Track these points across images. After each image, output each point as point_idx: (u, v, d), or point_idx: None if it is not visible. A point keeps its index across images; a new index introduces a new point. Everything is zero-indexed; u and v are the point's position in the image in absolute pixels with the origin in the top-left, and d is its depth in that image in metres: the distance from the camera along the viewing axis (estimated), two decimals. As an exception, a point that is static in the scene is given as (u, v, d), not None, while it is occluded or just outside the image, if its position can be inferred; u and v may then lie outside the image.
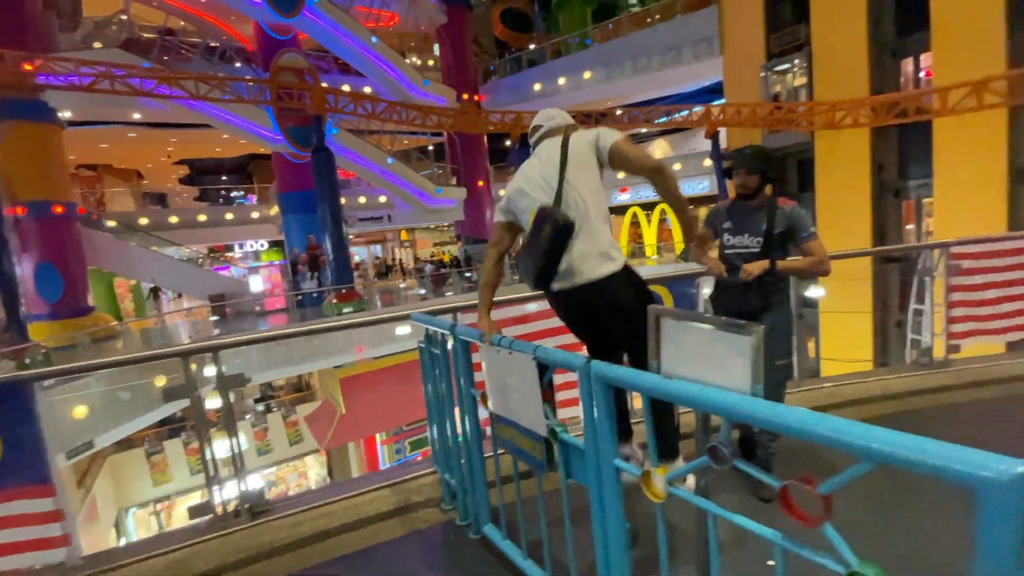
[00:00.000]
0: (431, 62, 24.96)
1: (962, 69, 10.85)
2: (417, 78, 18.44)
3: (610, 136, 1.85)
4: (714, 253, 2.63)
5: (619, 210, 23.20)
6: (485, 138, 20.50)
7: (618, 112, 16.44)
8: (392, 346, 11.61)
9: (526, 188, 1.91)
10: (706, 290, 3.45)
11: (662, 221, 20.58)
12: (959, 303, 3.53)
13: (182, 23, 17.42)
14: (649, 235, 21.15)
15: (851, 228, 13.29)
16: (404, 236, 29.64)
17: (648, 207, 21.70)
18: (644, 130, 22.09)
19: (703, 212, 3.15)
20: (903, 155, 13.08)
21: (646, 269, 16.86)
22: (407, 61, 19.63)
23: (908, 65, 12.88)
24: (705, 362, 1.18)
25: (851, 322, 12.05)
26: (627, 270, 1.87)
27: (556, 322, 2.12)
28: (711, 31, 16.46)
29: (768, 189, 2.53)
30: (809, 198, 14.75)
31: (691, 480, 1.60)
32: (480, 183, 20.41)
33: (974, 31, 10.97)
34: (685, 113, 15.50)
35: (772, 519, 1.09)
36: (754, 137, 15.26)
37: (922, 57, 12.49)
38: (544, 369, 1.67)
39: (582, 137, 1.89)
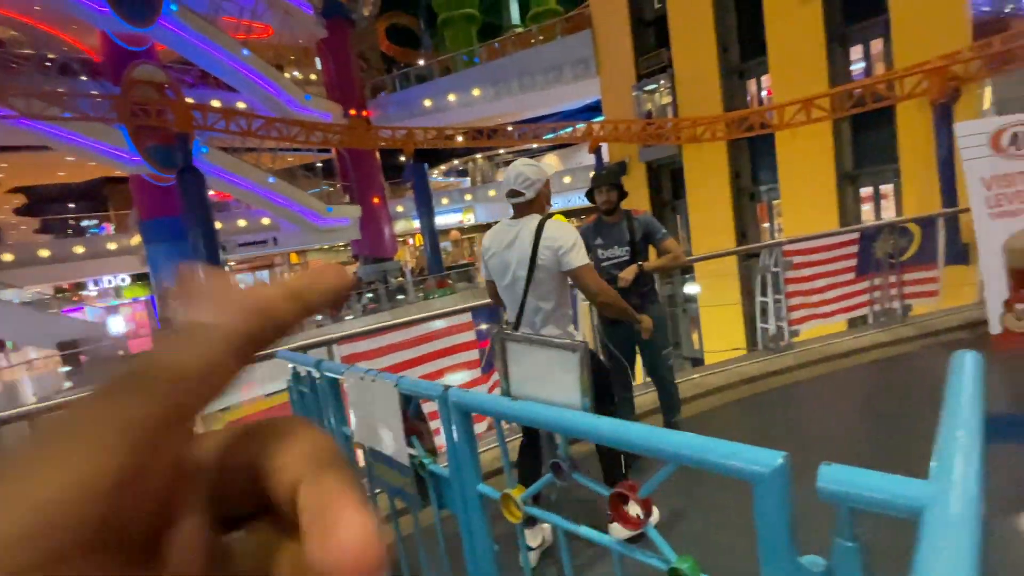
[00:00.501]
0: (313, 76, 23.94)
1: (794, 88, 12.69)
2: (298, 93, 17.56)
3: (575, 259, 2.08)
4: None
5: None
6: (378, 154, 20.02)
7: (509, 128, 16.94)
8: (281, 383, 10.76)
9: (501, 257, 2.18)
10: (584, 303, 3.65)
11: None
12: (794, 293, 4.07)
13: (12, 32, 15.01)
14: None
15: (718, 229, 14.81)
16: (294, 259, 27.91)
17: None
18: (535, 145, 23.01)
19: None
20: (755, 163, 14.91)
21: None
22: (286, 75, 18.63)
23: (752, 86, 14.77)
24: (545, 381, 1.22)
25: (725, 314, 13.44)
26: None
27: (428, 348, 2.09)
28: (588, 52, 17.62)
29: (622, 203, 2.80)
30: (682, 204, 16.26)
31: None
32: (376, 200, 19.84)
33: (802, 56, 12.87)
34: (570, 130, 16.38)
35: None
36: (631, 151, 16.55)
37: (763, 78, 14.39)
38: (409, 399, 1.63)
39: (550, 241, 2.08)
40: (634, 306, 2.65)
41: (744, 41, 14.26)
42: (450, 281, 18.16)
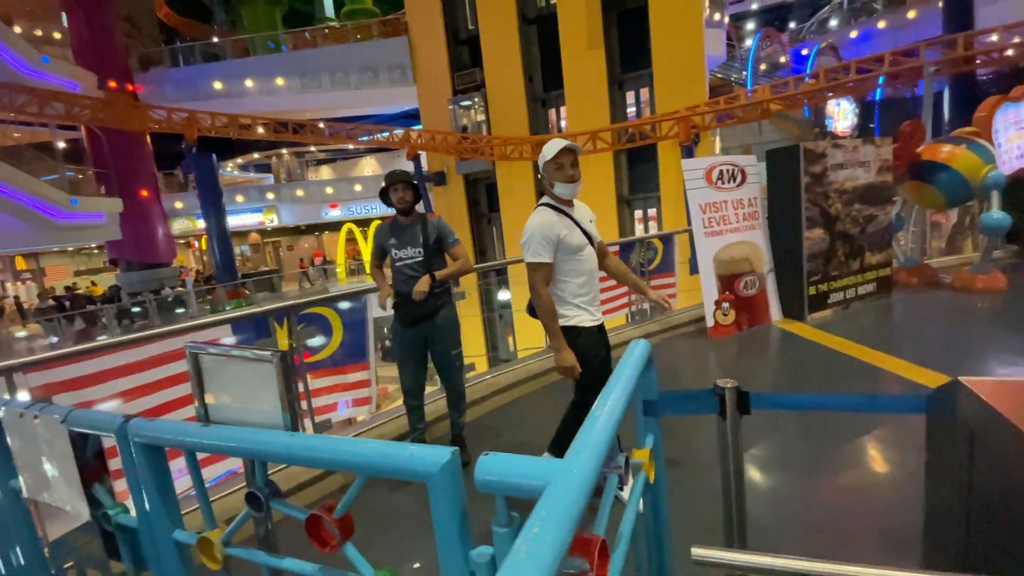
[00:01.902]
0: (58, 35, 19.06)
1: (585, 121, 14.50)
2: (31, 53, 13.70)
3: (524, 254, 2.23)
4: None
5: (332, 226, 22.35)
6: (148, 138, 16.69)
7: (320, 125, 15.77)
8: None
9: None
10: (376, 310, 3.51)
11: (350, 240, 20.94)
12: (572, 298, 4.55)
13: None
14: (367, 251, 21.06)
15: (526, 241, 15.98)
16: (21, 265, 21.61)
17: (363, 223, 21.58)
18: (350, 146, 21.91)
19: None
20: (556, 183, 16.56)
21: (351, 286, 16.63)
22: (15, 29, 14.39)
23: (553, 114, 16.44)
24: (246, 398, 1.06)
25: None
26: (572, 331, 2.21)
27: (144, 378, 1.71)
28: (405, 59, 17.49)
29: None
30: (496, 216, 17.21)
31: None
32: (144, 193, 16.47)
33: (590, 94, 14.76)
34: (387, 134, 15.98)
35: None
36: (449, 162, 16.93)
37: (562, 109, 16.11)
38: (86, 437, 1.29)
39: None
40: (429, 309, 2.72)
41: (546, 73, 15.80)
42: (246, 291, 16.00)
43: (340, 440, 0.87)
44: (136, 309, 13.71)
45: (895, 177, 5.21)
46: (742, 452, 1.22)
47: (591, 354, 2.21)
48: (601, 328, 2.33)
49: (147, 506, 1.17)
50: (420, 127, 16.98)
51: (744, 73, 17.87)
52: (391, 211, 2.76)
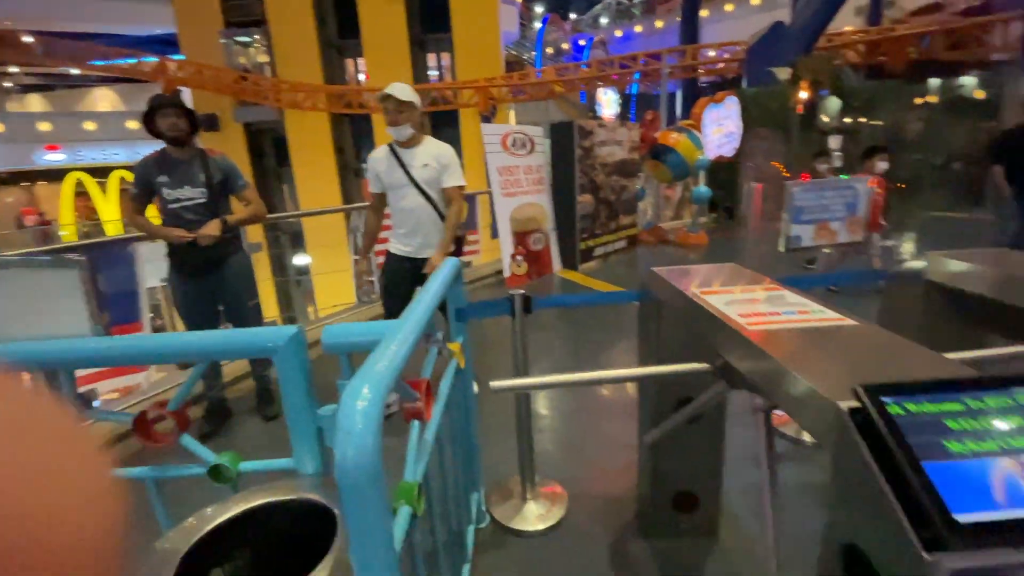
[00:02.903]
0: None
1: (386, 77, 13.99)
2: None
3: None
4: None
5: (52, 175, 17.21)
6: None
7: (28, 40, 11.85)
8: None
9: None
10: (148, 262, 3.05)
11: (123, 191, 16.73)
12: (381, 252, 4.63)
13: None
14: (108, 209, 16.78)
15: (326, 202, 15.02)
16: None
17: (99, 173, 17.09)
18: (76, 71, 16.97)
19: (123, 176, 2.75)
20: (357, 142, 15.78)
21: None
22: None
23: (351, 65, 15.43)
24: (41, 313, 0.98)
25: (338, 279, 13.91)
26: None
27: None
28: (155, -30, 14.19)
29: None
30: (288, 173, 15.63)
31: None
32: None
33: (391, 50, 14.27)
34: (132, 60, 12.91)
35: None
36: (223, 105, 14.58)
37: (360, 61, 15.22)
38: None
39: None
40: (217, 256, 2.44)
41: (341, 18, 14.66)
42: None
43: (179, 335, 0.92)
44: None
45: (640, 156, 6.54)
46: (527, 336, 1.61)
47: (388, 279, 2.56)
48: (412, 261, 2.49)
49: None
50: (181, 57, 14.14)
51: (534, 53, 19.48)
52: (139, 153, 2.35)
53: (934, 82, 8.41)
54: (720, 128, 7.87)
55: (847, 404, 0.60)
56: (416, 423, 0.96)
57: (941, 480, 0.52)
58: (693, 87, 15.78)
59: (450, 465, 1.30)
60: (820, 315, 0.92)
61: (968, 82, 8.56)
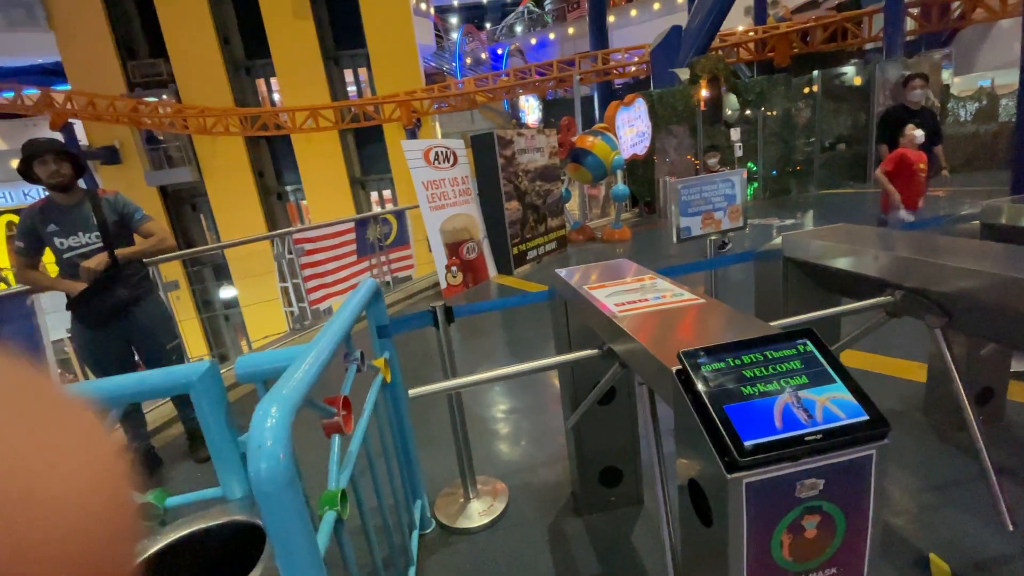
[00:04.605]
0: None
1: (301, 96, 13.64)
2: None
3: None
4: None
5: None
6: None
7: None
8: None
9: None
10: (50, 314, 2.87)
11: (10, 238, 15.21)
12: (311, 276, 4.56)
13: None
14: (-2, 258, 15.15)
15: (249, 230, 14.37)
16: None
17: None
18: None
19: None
20: (277, 164, 15.23)
21: None
22: None
23: (263, 85, 14.89)
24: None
25: (268, 309, 13.33)
26: None
27: None
28: (30, -6, 13.07)
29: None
30: (204, 202, 14.82)
31: None
32: None
33: (304, 68, 13.91)
34: (10, 95, 11.83)
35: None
36: (122, 135, 13.63)
37: (272, 80, 14.72)
38: None
39: None
40: (127, 299, 2.32)
41: (247, 38, 14.14)
42: None
43: (91, 382, 0.94)
44: None
45: (560, 160, 6.81)
46: (452, 343, 1.71)
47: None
48: None
49: None
50: (67, 88, 13.08)
51: (454, 64, 19.63)
52: (34, 196, 2.24)
53: (816, 73, 9.33)
54: (632, 128, 8.33)
55: (675, 368, 0.75)
56: (337, 436, 1.03)
57: (737, 417, 0.67)
58: (608, 90, 16.54)
59: (382, 474, 1.37)
60: (679, 297, 1.09)
61: (848, 71, 9.56)
